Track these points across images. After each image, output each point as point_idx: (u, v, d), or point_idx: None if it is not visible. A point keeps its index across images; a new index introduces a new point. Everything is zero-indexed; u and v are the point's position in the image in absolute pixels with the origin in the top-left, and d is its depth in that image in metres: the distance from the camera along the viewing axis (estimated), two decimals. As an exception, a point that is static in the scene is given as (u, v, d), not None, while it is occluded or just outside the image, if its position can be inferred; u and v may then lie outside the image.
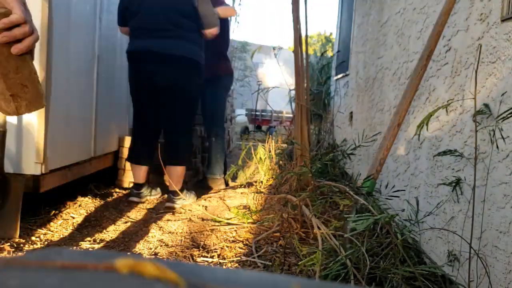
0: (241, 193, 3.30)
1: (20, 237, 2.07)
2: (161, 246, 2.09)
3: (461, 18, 1.77)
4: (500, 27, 1.46)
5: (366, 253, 1.56)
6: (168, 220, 2.54)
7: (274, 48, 4.26)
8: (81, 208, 2.63)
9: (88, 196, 2.87)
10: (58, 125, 2.30)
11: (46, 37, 2.12)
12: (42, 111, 2.14)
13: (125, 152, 3.37)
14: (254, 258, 1.94)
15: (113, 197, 3.01)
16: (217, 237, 2.21)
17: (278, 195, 3.05)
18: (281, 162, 3.61)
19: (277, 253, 2.01)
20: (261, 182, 3.55)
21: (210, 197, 3.19)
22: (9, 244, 1.98)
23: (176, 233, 2.29)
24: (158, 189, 3.21)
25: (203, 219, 2.56)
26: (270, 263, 1.91)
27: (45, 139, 2.16)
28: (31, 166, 2.14)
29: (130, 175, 3.35)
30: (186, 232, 2.30)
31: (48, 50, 2.14)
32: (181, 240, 2.18)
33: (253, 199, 3.00)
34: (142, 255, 2.07)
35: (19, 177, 2.12)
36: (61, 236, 2.18)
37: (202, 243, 2.14)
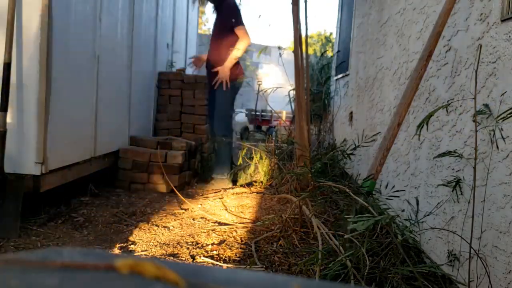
0: (241, 193, 3.30)
1: (20, 237, 2.07)
2: (161, 246, 2.09)
3: (461, 18, 1.77)
4: (500, 27, 1.46)
5: (366, 253, 1.56)
6: (168, 220, 2.54)
7: (279, 48, 4.29)
8: (81, 208, 2.63)
9: (88, 196, 2.87)
10: (58, 125, 2.30)
11: (46, 37, 2.12)
12: (42, 111, 2.14)
13: (125, 152, 3.37)
14: (254, 258, 1.94)
15: (113, 197, 3.01)
16: (217, 237, 2.21)
17: (278, 195, 3.05)
18: (281, 162, 3.61)
19: (277, 253, 2.01)
20: (261, 182, 3.55)
21: (210, 197, 3.19)
22: (9, 244, 1.98)
23: (176, 233, 2.29)
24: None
25: (203, 219, 2.56)
26: (270, 263, 1.91)
27: (45, 139, 2.16)
28: (31, 166, 2.14)
29: (129, 175, 3.35)
30: (186, 232, 2.30)
31: (48, 50, 2.14)
32: (181, 240, 2.18)
33: (253, 199, 3.00)
34: (142, 255, 2.07)
35: (19, 177, 2.12)
36: (61, 236, 2.18)
37: (202, 243, 2.14)
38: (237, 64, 3.71)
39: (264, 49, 4.03)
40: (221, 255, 1.98)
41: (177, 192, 2.95)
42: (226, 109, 3.71)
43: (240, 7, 3.83)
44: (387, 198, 1.93)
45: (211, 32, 3.88)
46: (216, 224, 2.45)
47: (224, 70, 3.58)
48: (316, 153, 3.91)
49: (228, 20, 3.61)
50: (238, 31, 3.61)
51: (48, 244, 2.07)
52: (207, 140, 4.28)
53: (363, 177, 1.93)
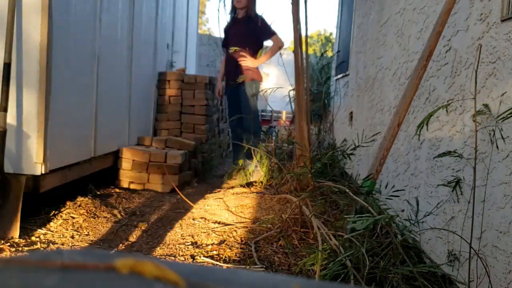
0: (241, 193, 3.30)
1: (20, 237, 2.07)
2: (161, 246, 2.09)
3: (461, 18, 1.77)
4: (500, 27, 1.46)
5: (366, 253, 1.56)
6: (168, 220, 2.54)
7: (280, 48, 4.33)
8: (81, 208, 2.63)
9: (88, 196, 2.87)
10: (58, 125, 2.30)
11: (46, 37, 2.12)
12: (42, 111, 2.14)
13: (125, 152, 3.37)
14: (254, 258, 1.94)
15: (113, 197, 3.01)
16: (217, 237, 2.21)
17: (278, 195, 3.05)
18: (281, 162, 3.61)
19: (277, 253, 2.01)
20: (261, 182, 3.55)
21: (210, 197, 3.19)
22: (9, 244, 1.98)
23: (176, 233, 2.29)
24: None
25: (203, 219, 2.56)
26: (270, 263, 1.91)
27: (45, 139, 2.16)
28: (31, 166, 2.14)
29: (129, 175, 3.35)
30: (186, 232, 2.30)
31: (48, 50, 2.14)
32: (181, 240, 2.18)
33: (253, 199, 3.00)
34: (142, 255, 2.06)
35: (19, 177, 2.12)
36: (61, 236, 2.18)
37: (202, 243, 2.14)
38: (257, 68, 4.11)
39: (264, 49, 4.07)
40: (221, 255, 1.98)
41: (178, 191, 2.95)
42: (256, 109, 4.12)
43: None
44: (387, 198, 1.93)
45: (228, 45, 4.08)
46: (216, 224, 2.45)
47: (254, 61, 3.99)
48: (316, 153, 3.91)
49: (261, 32, 4.03)
50: (276, 38, 4.05)
51: (48, 244, 2.07)
52: (207, 140, 4.28)
53: (363, 177, 1.93)
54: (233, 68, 4.03)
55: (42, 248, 2.01)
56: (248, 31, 4.00)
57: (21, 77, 2.12)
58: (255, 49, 4.06)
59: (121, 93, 3.40)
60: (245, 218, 2.60)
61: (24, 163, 2.13)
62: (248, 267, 1.87)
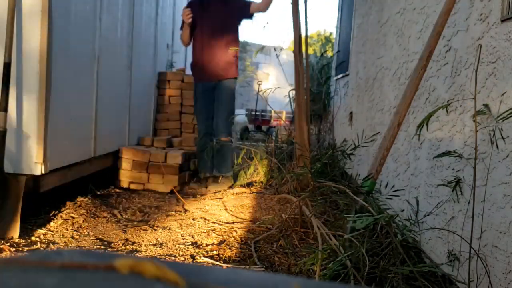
0: (241, 193, 3.30)
1: (20, 237, 2.07)
2: (161, 246, 2.09)
3: (461, 18, 1.77)
4: (500, 27, 1.46)
5: (365, 253, 1.56)
6: (168, 220, 2.54)
7: (275, 49, 4.30)
8: (81, 208, 2.63)
9: (88, 196, 2.87)
10: (58, 125, 2.30)
11: (46, 37, 2.12)
12: (42, 111, 2.14)
13: (125, 152, 3.37)
14: (254, 258, 1.94)
15: (113, 197, 3.01)
16: (217, 237, 2.21)
17: (278, 195, 3.05)
18: (281, 162, 3.61)
19: (277, 253, 2.01)
20: (261, 182, 3.55)
21: (210, 197, 3.19)
22: (9, 244, 1.98)
23: (176, 233, 2.29)
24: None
25: (203, 219, 2.56)
26: (270, 263, 1.91)
27: (45, 139, 2.16)
28: (31, 166, 2.14)
29: (129, 175, 3.35)
30: (186, 232, 2.30)
31: (48, 50, 2.14)
32: (181, 240, 2.18)
33: (253, 199, 3.00)
34: (142, 255, 2.07)
35: (19, 177, 2.12)
36: (61, 236, 2.18)
37: (202, 243, 2.14)
38: (236, 61, 3.62)
39: (261, 49, 4.04)
40: (221, 255, 1.98)
41: (176, 193, 2.94)
42: (231, 108, 3.63)
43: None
44: (387, 198, 1.93)
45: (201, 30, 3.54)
46: (216, 224, 2.45)
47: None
48: (316, 153, 3.91)
49: (239, 10, 3.50)
50: None
51: (48, 244, 2.07)
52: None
53: (363, 177, 1.93)
54: (208, 60, 3.48)
55: (42, 248, 2.01)
56: (226, 15, 3.48)
57: (21, 77, 2.12)
58: (235, 32, 3.56)
59: (121, 93, 3.40)
60: (245, 218, 2.60)
61: (24, 163, 2.13)
62: (248, 267, 1.87)
